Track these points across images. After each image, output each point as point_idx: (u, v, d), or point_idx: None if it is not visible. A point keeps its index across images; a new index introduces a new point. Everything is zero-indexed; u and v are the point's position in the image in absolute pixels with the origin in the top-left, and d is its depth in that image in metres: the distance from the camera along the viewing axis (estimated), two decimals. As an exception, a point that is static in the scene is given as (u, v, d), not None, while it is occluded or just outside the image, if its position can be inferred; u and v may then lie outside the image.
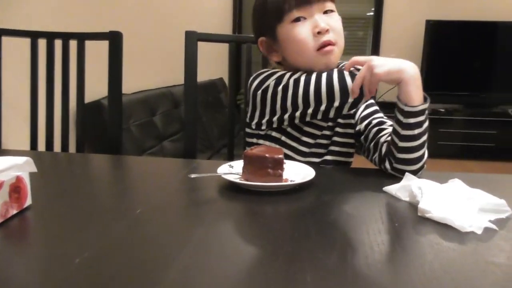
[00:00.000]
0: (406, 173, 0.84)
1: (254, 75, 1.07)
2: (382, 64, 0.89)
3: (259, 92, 1.02)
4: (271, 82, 1.01)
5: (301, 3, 0.98)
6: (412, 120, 0.88)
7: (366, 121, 1.09)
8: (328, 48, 0.98)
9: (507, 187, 0.96)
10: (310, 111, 0.96)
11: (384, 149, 0.97)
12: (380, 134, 1.03)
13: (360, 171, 0.96)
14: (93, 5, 2.19)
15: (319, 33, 0.98)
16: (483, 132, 4.46)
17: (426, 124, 0.91)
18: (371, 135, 1.05)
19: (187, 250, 0.55)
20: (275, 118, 1.02)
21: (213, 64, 3.73)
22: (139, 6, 2.72)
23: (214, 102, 3.71)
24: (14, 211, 0.66)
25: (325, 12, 1.00)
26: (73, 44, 1.41)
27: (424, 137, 0.91)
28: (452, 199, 0.71)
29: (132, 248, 0.58)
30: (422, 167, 0.93)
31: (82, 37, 1.40)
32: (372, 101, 1.12)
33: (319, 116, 0.97)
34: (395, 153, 0.92)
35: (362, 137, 1.08)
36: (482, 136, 4.46)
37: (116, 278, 0.49)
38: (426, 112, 0.90)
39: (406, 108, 0.88)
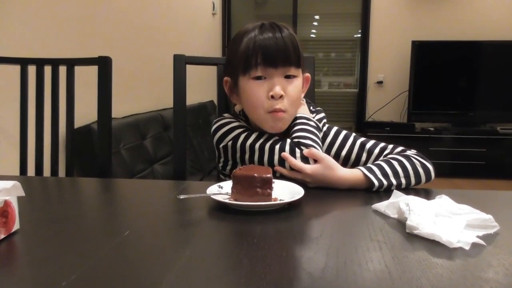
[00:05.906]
0: (394, 191, 0.85)
1: (215, 126, 1.10)
2: (316, 181, 0.96)
3: (220, 147, 1.08)
4: (228, 142, 1.06)
5: (267, 64, 1.00)
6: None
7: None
8: (280, 114, 1.02)
9: (493, 202, 0.97)
10: None
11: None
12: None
13: (349, 189, 0.96)
14: (82, 31, 2.21)
15: (272, 97, 1.01)
16: (473, 150, 4.51)
17: (394, 182, 0.96)
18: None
19: (174, 271, 0.55)
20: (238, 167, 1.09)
21: (204, 87, 3.76)
22: (128, 31, 2.74)
23: (205, 125, 3.72)
24: (2, 236, 0.65)
25: (287, 76, 1.02)
26: (62, 69, 1.42)
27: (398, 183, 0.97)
28: (440, 215, 0.71)
29: (119, 270, 0.57)
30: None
31: (71, 63, 1.42)
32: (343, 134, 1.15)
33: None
34: None
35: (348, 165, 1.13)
36: (472, 154, 4.50)
37: (104, 301, 0.49)
38: (386, 185, 0.95)
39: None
